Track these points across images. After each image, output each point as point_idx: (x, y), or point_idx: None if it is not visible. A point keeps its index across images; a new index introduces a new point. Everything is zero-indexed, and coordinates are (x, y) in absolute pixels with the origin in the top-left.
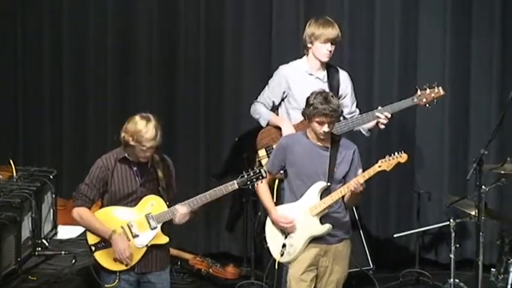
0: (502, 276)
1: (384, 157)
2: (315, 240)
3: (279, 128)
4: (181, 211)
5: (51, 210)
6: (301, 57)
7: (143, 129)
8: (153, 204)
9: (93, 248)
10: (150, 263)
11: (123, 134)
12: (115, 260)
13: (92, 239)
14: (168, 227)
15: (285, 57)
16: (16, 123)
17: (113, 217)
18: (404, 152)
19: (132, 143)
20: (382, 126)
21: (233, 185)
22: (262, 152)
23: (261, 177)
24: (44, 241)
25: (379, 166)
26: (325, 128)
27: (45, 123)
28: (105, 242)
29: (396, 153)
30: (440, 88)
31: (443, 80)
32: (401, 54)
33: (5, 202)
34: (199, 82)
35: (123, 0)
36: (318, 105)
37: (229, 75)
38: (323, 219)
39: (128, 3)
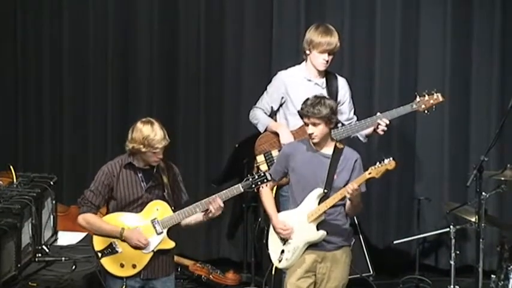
0: (502, 282)
1: (374, 164)
2: (313, 246)
3: (277, 134)
4: (217, 205)
5: (52, 216)
6: (300, 63)
7: (151, 133)
8: (159, 209)
9: (99, 254)
10: (156, 269)
11: (131, 145)
12: (121, 266)
13: (98, 245)
14: (173, 232)
15: (284, 63)
16: (16, 129)
17: (118, 223)
18: (393, 159)
19: (143, 149)
20: (381, 133)
21: (238, 188)
22: (260, 158)
23: (265, 180)
24: (44, 247)
25: (369, 173)
26: (309, 130)
27: (45, 128)
28: (111, 249)
29: (385, 160)
30: (439, 95)
31: (443, 87)
32: (402, 59)
33: (5, 208)
34: (199, 88)
35: (124, 4)
36: (303, 106)
37: (229, 81)
38: (321, 226)
39: (129, 4)
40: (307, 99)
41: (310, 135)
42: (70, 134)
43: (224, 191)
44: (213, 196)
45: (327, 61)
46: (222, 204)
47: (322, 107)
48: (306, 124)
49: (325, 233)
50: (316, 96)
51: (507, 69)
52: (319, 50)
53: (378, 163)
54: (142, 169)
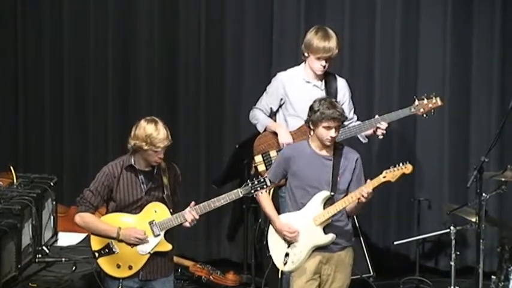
0: (503, 283)
1: (389, 167)
2: (318, 248)
3: (276, 134)
4: (193, 216)
5: (52, 217)
6: (299, 64)
7: (154, 131)
8: (157, 211)
9: (96, 254)
10: (154, 270)
11: (133, 142)
12: (118, 266)
13: (95, 245)
14: (171, 234)
15: (284, 63)
16: (16, 130)
17: (116, 223)
18: (410, 163)
19: (145, 147)
20: (381, 137)
21: (237, 193)
22: (258, 158)
23: (265, 185)
24: (44, 248)
25: (384, 177)
26: (332, 133)
27: (45, 129)
28: (108, 249)
29: (401, 164)
30: (438, 98)
31: (443, 87)
32: (402, 59)
33: (5, 209)
34: (199, 88)
35: (124, 4)
36: (326, 110)
37: (229, 81)
38: (326, 228)
39: (129, 4)
40: (320, 105)
41: (332, 138)
42: (70, 134)
43: (223, 196)
44: (205, 203)
45: (324, 66)
46: (197, 217)
47: (339, 105)
48: (329, 128)
49: (334, 236)
50: (325, 99)
51: (507, 69)
52: (317, 56)
53: (392, 167)
54: (143, 171)
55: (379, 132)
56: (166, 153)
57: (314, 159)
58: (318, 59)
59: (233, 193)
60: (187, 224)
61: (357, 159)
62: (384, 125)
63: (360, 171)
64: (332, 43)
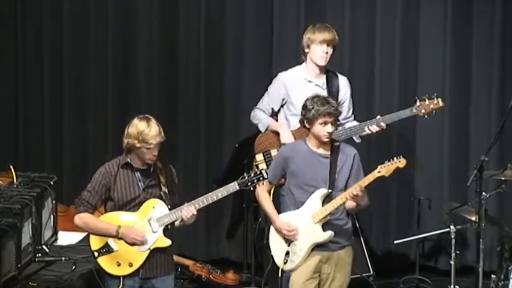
0: (502, 282)
1: (383, 163)
2: (317, 247)
3: (277, 133)
4: (190, 211)
5: (52, 216)
6: (300, 64)
7: (146, 128)
8: (155, 207)
9: (96, 254)
10: (155, 267)
11: (126, 140)
12: (118, 264)
13: (95, 245)
14: (170, 230)
15: (285, 63)
16: (16, 130)
17: (115, 222)
18: (403, 157)
19: (138, 145)
20: (369, 133)
21: (234, 185)
22: (259, 157)
23: (261, 178)
24: (44, 247)
25: (379, 172)
26: (329, 129)
27: (45, 129)
28: (108, 248)
29: (395, 158)
30: (439, 99)
31: (443, 87)
32: (402, 59)
33: (5, 208)
34: (199, 88)
35: (124, 4)
36: (320, 107)
37: (229, 81)
38: (325, 226)
39: (129, 4)
40: (313, 102)
41: (329, 134)
42: (70, 134)
43: (220, 189)
44: (187, 204)
45: (327, 53)
46: (195, 212)
47: (333, 101)
48: (325, 123)
49: (333, 233)
50: (317, 96)
51: (507, 69)
52: (318, 41)
53: (387, 161)
54: (139, 169)
55: (370, 130)
56: (162, 152)
57: (311, 158)
58: (321, 43)
59: (230, 186)
60: (185, 219)
61: (354, 155)
62: (381, 126)
63: (358, 167)
64: (331, 31)
